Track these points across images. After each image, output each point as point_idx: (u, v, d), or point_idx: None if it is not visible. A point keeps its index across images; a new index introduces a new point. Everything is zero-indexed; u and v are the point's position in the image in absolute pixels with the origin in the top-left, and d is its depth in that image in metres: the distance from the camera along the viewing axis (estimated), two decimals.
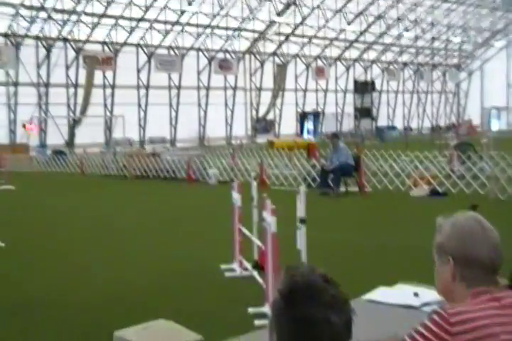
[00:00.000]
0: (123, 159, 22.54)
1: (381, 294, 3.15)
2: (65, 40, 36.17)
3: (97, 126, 36.40)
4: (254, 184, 7.42)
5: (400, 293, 3.12)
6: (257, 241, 7.00)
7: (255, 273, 7.04)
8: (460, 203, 13.32)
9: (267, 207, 5.72)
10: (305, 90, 50.30)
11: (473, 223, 2.06)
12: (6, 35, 34.08)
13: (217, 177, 18.71)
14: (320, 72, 50.40)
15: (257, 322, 5.40)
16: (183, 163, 19.84)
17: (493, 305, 1.93)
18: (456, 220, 2.10)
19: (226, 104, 45.05)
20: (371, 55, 55.14)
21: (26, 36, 34.62)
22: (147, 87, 40.07)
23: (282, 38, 46.65)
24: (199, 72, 42.99)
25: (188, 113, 41.43)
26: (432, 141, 36.05)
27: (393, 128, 54.48)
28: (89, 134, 34.75)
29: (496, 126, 56.50)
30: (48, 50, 35.59)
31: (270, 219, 5.60)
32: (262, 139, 42.45)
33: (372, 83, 55.05)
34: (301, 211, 5.66)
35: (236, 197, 7.55)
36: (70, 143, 35.76)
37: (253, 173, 8.41)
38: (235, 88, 45.27)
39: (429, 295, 3.08)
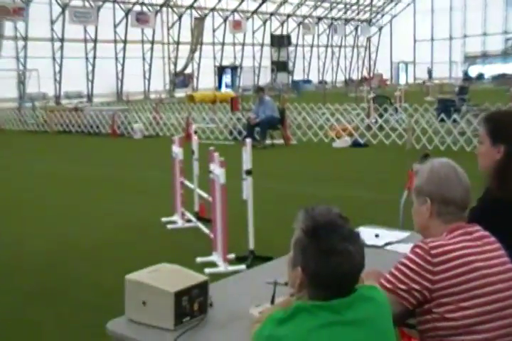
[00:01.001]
0: (44, 114, 21.99)
1: None
2: None
3: (9, 80, 35.00)
4: (195, 138, 7.56)
5: (362, 235, 3.41)
6: (202, 193, 7.19)
7: (199, 224, 7.27)
8: (379, 153, 14.02)
9: (215, 159, 5.90)
10: (223, 44, 49.96)
11: (448, 168, 2.35)
12: None
13: (142, 132, 18.65)
14: (237, 26, 50.07)
15: (207, 270, 5.63)
16: (107, 117, 19.59)
17: (466, 238, 2.24)
18: (433, 166, 2.38)
19: (144, 58, 44.21)
20: (287, 8, 55.21)
21: None
22: (62, 40, 38.69)
23: None
24: (116, 25, 41.83)
25: (105, 67, 40.35)
26: (346, 93, 36.92)
27: (308, 81, 55.23)
28: (1, 89, 33.42)
29: (403, 79, 58.28)
30: None
31: (218, 171, 5.79)
32: (180, 93, 42.12)
33: (288, 37, 55.36)
34: (247, 162, 5.87)
35: (177, 150, 7.67)
36: None
37: (194, 126, 8.49)
38: (152, 42, 44.37)
39: (389, 235, 3.40)
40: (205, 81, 47.02)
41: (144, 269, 2.59)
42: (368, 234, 3.39)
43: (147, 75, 44.43)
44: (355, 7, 61.67)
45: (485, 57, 59.85)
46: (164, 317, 2.43)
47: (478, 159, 2.80)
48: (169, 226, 7.60)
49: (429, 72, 55.17)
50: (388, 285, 2.21)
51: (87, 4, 40.01)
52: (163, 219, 7.82)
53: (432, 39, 62.80)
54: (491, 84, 47.51)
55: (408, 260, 2.20)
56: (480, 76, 54.82)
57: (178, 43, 45.90)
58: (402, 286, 2.18)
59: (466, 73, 53.51)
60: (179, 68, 46.29)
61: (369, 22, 65.29)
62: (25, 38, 36.81)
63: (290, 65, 56.39)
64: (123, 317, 2.56)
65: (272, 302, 2.41)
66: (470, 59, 60.50)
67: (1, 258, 6.60)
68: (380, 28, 66.60)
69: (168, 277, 2.55)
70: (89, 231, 7.63)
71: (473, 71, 56.71)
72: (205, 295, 2.54)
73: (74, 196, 9.98)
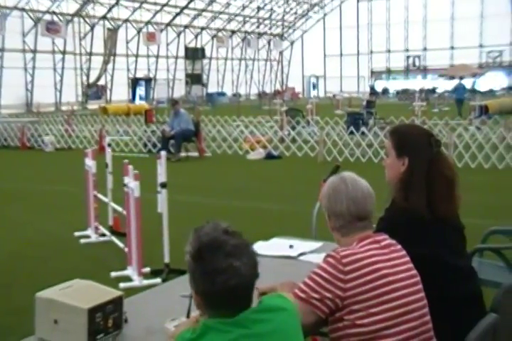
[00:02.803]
0: None
1: (259, 247, 3.47)
2: None
3: None
4: (109, 150, 7.45)
5: (277, 246, 3.47)
6: (116, 207, 7.09)
7: (114, 238, 7.15)
8: (293, 165, 14.25)
9: (130, 172, 5.84)
10: (136, 55, 49.53)
11: (338, 181, 2.44)
12: None
13: (53, 145, 18.19)
14: (151, 38, 49.75)
15: (122, 285, 5.55)
16: (16, 129, 18.99)
17: (375, 247, 2.32)
18: (329, 181, 2.48)
19: (55, 69, 43.17)
20: (201, 21, 55.43)
21: None
22: None
23: (113, 1, 45.35)
24: (24, 34, 40.70)
25: (14, 77, 39.17)
26: (260, 106, 37.34)
27: (223, 94, 55.51)
28: None
29: (314, 93, 59.63)
30: None
31: (133, 184, 5.73)
32: (93, 105, 41.35)
33: (203, 50, 55.59)
34: (161, 175, 5.83)
35: (90, 163, 7.53)
36: None
37: (108, 139, 8.37)
38: (64, 52, 43.41)
39: (302, 246, 3.47)
40: (119, 93, 46.44)
41: (56, 286, 2.53)
42: (282, 244, 3.45)
43: (58, 86, 43.41)
44: (267, 21, 62.71)
45: (389, 72, 62.28)
46: (77, 335, 2.38)
47: (385, 171, 2.90)
48: (82, 240, 7.43)
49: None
50: (302, 295, 2.25)
51: None
52: (76, 234, 7.64)
53: (341, 54, 64.64)
54: (395, 99, 49.38)
55: (321, 269, 2.26)
56: (385, 91, 56.89)
57: (90, 54, 45.13)
58: (315, 295, 2.23)
59: (372, 87, 55.52)
60: (92, 79, 45.49)
61: (281, 36, 66.52)
62: None
63: (204, 77, 56.59)
64: (32, 337, 2.49)
65: (188, 316, 2.41)
66: (376, 74, 62.79)
67: None
68: (292, 43, 67.99)
69: (82, 293, 2.50)
70: (3, 246, 7.36)
71: (379, 86, 58.82)
72: (120, 310, 2.51)
73: None
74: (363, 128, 15.47)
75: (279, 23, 64.56)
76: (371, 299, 2.19)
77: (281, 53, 67.15)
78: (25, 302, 5.36)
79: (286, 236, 3.77)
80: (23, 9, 40.23)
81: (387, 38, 61.89)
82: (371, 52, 63.17)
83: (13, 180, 12.78)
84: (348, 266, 2.22)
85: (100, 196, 7.61)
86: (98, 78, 45.69)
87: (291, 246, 3.45)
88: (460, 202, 2.80)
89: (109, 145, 7.51)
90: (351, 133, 15.68)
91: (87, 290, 2.55)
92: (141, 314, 2.65)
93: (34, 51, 41.22)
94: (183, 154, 15.38)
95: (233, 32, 59.57)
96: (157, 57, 51.54)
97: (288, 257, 3.30)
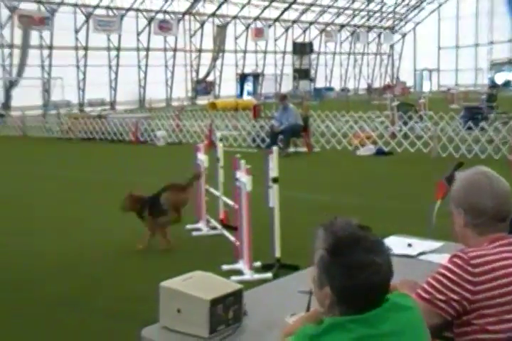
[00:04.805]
0: (68, 121, 22.19)
1: None
2: None
3: (35, 88, 35.41)
4: (220, 145, 7.57)
5: (395, 245, 3.38)
6: (228, 201, 7.19)
7: (225, 232, 7.26)
8: (404, 161, 13.92)
9: (241, 167, 5.91)
10: (244, 51, 50.12)
11: (480, 176, 2.28)
12: None
13: (165, 139, 18.74)
14: (259, 33, 50.19)
15: (233, 278, 5.61)
16: (130, 125, 19.71)
17: (507, 249, 2.20)
18: (466, 175, 2.33)
19: (166, 66, 44.49)
20: (309, 16, 55.22)
21: None
22: (86, 48, 39.10)
23: None
24: (138, 33, 42.19)
25: (128, 75, 40.71)
26: (369, 101, 36.76)
27: (330, 89, 55.07)
28: (26, 96, 33.75)
29: (427, 87, 57.88)
30: None
31: (245, 179, 5.80)
32: (202, 101, 42.26)
33: (311, 44, 55.27)
34: (273, 170, 5.86)
35: (202, 158, 7.69)
36: (6, 105, 34.71)
37: (219, 134, 8.52)
38: (175, 49, 44.67)
39: (422, 245, 3.37)
40: (227, 88, 47.18)
41: (178, 277, 2.59)
42: (400, 243, 3.37)
43: (169, 83, 44.68)
44: (378, 14, 61.52)
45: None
46: (199, 325, 2.43)
47: None
48: (194, 233, 7.61)
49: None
50: (426, 296, 2.18)
51: (110, 13, 40.43)
52: (188, 226, 7.82)
53: (457, 46, 62.23)
54: None
55: (447, 270, 2.17)
56: (507, 83, 53.92)
57: (200, 51, 46.14)
58: (441, 296, 2.15)
59: (492, 80, 52.77)
60: (201, 76, 46.49)
61: (392, 29, 65.06)
62: (51, 47, 37.24)
63: (312, 72, 56.28)
64: (157, 324, 2.56)
65: (307, 311, 2.40)
66: (496, 66, 59.64)
67: (14, 270, 6.63)
68: (404, 35, 66.29)
69: (203, 285, 2.55)
70: (112, 236, 7.67)
71: (500, 78, 55.86)
72: (240, 303, 2.54)
73: (96, 201, 10.04)
74: (483, 123, 14.85)
75: (390, 16, 63.14)
76: (505, 304, 2.08)
77: (391, 46, 65.71)
78: (141, 291, 5.58)
79: (404, 235, 3.68)
80: (137, 9, 41.68)
81: None
82: (491, 42, 60.09)
83: (128, 173, 13.25)
84: (478, 268, 2.12)
85: (212, 190, 7.75)
86: (207, 74, 46.63)
87: (409, 245, 3.36)
88: None
89: (221, 139, 7.64)
90: (469, 128, 15.10)
91: (208, 282, 2.60)
92: (259, 308, 2.66)
93: (147, 49, 42.64)
94: (291, 149, 15.42)
95: (342, 26, 58.96)
96: (265, 52, 51.93)
97: (407, 256, 3.22)
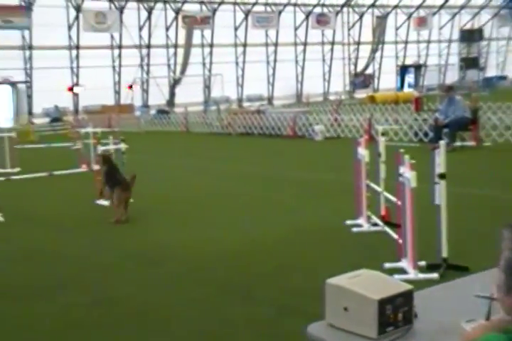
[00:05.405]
0: (228, 117, 22.87)
1: None
2: (165, 1, 36.62)
3: (196, 85, 36.92)
4: (382, 139, 7.41)
5: None
6: (390, 197, 7.03)
7: (387, 229, 7.11)
8: None
9: (405, 162, 5.73)
10: (406, 42, 48.77)
11: None
12: (110, 0, 34.91)
13: (323, 134, 18.74)
14: (422, 22, 48.39)
15: (396, 277, 5.45)
16: (288, 119, 19.93)
17: None
18: None
19: (323, 60, 44.52)
20: (479, 0, 51.98)
21: (128, 0, 35.26)
22: (244, 45, 40.12)
23: None
24: (296, 28, 42.56)
25: (285, 70, 41.19)
26: None
27: (503, 78, 51.52)
28: (189, 93, 35.28)
29: None
30: (149, 12, 36.22)
31: (409, 174, 5.62)
32: (360, 94, 41.82)
33: (480, 31, 52.23)
34: (440, 166, 5.63)
35: (363, 152, 7.57)
36: (171, 102, 36.51)
37: (380, 128, 8.35)
38: (332, 43, 44.55)
39: None
40: (386, 81, 46.25)
41: (344, 274, 2.54)
42: None
43: (327, 77, 44.66)
44: None
45: None
46: (367, 325, 2.36)
47: None
48: (354, 229, 7.52)
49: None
50: None
51: (268, 9, 41.11)
52: (348, 222, 7.74)
53: None
54: None
55: None
56: None
57: (358, 43, 45.67)
58: None
59: None
60: (359, 69, 46.02)
61: None
62: (211, 45, 38.62)
63: (481, 60, 53.23)
64: (323, 321, 2.52)
65: (487, 318, 2.24)
66: None
67: (189, 256, 6.92)
68: None
69: (370, 283, 2.48)
70: (271, 232, 7.77)
71: None
72: (410, 304, 2.44)
73: (255, 196, 10.25)
74: None
75: None
76: None
77: None
78: (302, 284, 5.62)
79: None
80: (295, 4, 42.04)
81: None
82: None
83: (286, 167, 13.40)
84: None
85: (373, 185, 7.61)
86: (366, 67, 46.05)
87: None
88: None
89: (383, 134, 7.47)
90: None
91: (376, 281, 2.52)
92: (430, 310, 2.54)
93: (304, 44, 42.90)
94: (457, 143, 14.74)
95: None
96: (428, 42, 50.10)
97: None
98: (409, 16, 48.16)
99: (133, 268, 6.55)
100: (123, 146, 10.14)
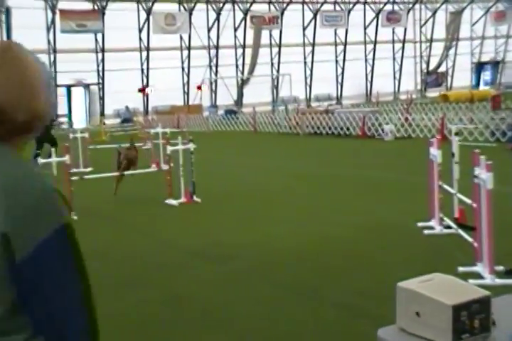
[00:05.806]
0: (296, 117, 22.79)
1: None
2: (233, 2, 36.86)
3: (264, 85, 36.97)
4: (456, 139, 7.18)
5: None
6: (464, 199, 6.79)
7: (461, 231, 6.87)
8: None
9: (482, 163, 5.52)
10: (482, 38, 47.29)
11: None
12: (179, 2, 35.42)
13: (393, 133, 18.41)
14: (500, 17, 46.55)
15: (471, 282, 5.27)
16: (358, 119, 19.68)
17: None
18: None
19: (394, 58, 43.81)
20: None
21: (198, 1, 35.67)
22: (313, 44, 39.92)
23: None
24: (365, 27, 42.05)
25: (354, 69, 40.77)
26: None
27: None
28: (257, 93, 35.39)
29: None
30: (218, 12, 36.54)
31: (485, 175, 5.41)
32: (432, 93, 40.97)
33: None
34: None
35: (435, 153, 7.34)
36: (239, 102, 36.71)
37: (454, 128, 8.11)
38: (403, 41, 43.78)
39: None
40: (460, 79, 44.98)
41: (416, 278, 2.44)
42: None
43: (397, 75, 43.94)
44: None
45: None
46: (441, 332, 2.26)
47: None
48: (426, 231, 7.32)
49: None
50: None
51: (337, 8, 40.79)
52: (420, 224, 7.55)
53: None
54: None
55: None
56: None
57: (431, 41, 44.71)
58: None
59: None
60: (432, 67, 45.01)
61: None
62: (279, 45, 38.61)
63: None
64: (394, 325, 2.43)
65: None
66: None
67: (254, 254, 6.89)
68: None
69: (444, 288, 2.37)
70: (340, 231, 7.69)
71: None
72: (487, 311, 2.31)
73: (324, 196, 10.17)
74: None
75: None
76: None
77: None
78: (370, 286, 5.50)
79: None
80: (365, 2, 41.54)
81: None
82: None
83: (355, 167, 13.22)
84: None
85: (446, 186, 7.38)
86: (438, 65, 44.99)
87: None
88: None
89: (457, 134, 7.23)
90: None
91: (450, 286, 2.41)
92: (509, 318, 2.40)
93: (374, 42, 42.32)
94: None
95: None
96: (507, 37, 48.40)
97: None
98: (487, 11, 46.48)
99: (199, 266, 6.58)
100: (192, 146, 10.22)
